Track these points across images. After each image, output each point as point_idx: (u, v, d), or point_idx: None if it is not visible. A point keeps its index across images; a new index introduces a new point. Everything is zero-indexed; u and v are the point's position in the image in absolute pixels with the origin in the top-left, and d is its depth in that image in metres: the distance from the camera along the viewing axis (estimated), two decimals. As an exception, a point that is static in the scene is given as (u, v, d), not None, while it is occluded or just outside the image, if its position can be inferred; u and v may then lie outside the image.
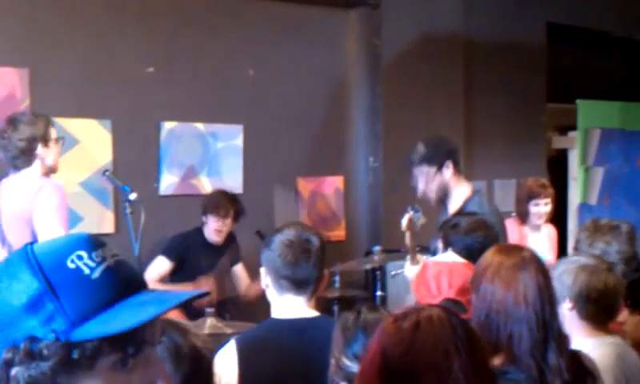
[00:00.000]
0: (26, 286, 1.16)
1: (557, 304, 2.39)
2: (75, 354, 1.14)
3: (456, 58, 6.62)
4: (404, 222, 3.89)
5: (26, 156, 3.97)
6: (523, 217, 5.39)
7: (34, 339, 1.14)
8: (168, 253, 4.99)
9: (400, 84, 6.26)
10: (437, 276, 2.90)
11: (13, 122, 4.01)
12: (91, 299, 1.17)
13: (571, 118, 7.52)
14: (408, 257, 3.88)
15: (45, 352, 1.14)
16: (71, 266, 1.18)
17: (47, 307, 1.15)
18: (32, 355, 1.14)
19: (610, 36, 7.80)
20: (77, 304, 1.16)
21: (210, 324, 4.01)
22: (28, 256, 1.18)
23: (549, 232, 5.56)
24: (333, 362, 2.23)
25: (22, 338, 1.15)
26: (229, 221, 5.04)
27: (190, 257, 4.97)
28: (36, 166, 3.99)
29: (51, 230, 3.82)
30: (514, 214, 5.50)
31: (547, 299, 2.31)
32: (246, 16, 5.71)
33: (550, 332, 2.27)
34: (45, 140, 4.00)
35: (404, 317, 1.55)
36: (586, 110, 7.56)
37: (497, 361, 2.25)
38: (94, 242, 1.23)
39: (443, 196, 4.24)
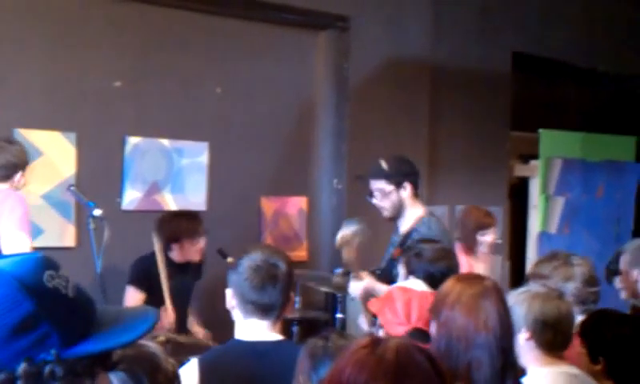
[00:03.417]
0: (8, 306, 1.15)
1: (515, 336, 2.42)
2: (79, 370, 1.17)
3: (422, 84, 6.67)
4: (338, 238, 3.95)
5: (4, 176, 4.23)
6: (472, 246, 5.36)
7: (30, 360, 1.13)
8: (136, 282, 4.66)
9: (366, 107, 6.29)
10: (407, 303, 2.90)
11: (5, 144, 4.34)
12: (75, 316, 1.19)
13: (533, 146, 7.62)
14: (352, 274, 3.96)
15: (57, 372, 1.14)
16: (50, 285, 1.18)
17: (40, 328, 1.15)
18: (37, 376, 1.13)
19: (575, 67, 7.92)
20: (66, 323, 1.17)
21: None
22: (5, 276, 1.17)
23: (487, 261, 5.60)
24: None
25: (10, 359, 1.13)
26: (203, 236, 4.78)
27: (156, 280, 4.52)
28: (5, 185, 4.22)
29: (17, 239, 4.00)
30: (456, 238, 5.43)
31: (507, 329, 2.34)
32: (216, 34, 5.72)
33: (508, 362, 2.30)
34: (24, 169, 4.35)
35: (376, 346, 1.53)
36: (548, 139, 7.68)
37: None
38: (53, 262, 1.24)
39: (397, 214, 4.32)
